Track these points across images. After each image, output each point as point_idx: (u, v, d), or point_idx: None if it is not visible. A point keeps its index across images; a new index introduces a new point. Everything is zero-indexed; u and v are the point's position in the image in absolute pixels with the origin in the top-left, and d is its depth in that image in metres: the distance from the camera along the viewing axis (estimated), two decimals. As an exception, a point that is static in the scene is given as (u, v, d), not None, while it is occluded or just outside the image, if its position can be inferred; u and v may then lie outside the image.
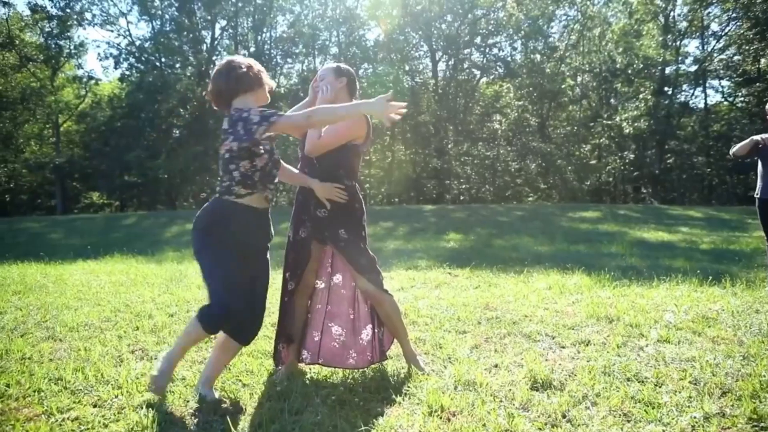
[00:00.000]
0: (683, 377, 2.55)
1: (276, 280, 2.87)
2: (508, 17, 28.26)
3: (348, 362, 2.75)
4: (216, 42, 30.32)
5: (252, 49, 29.53)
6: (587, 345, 3.18)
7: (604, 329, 3.51)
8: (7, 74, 30.49)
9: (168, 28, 29.79)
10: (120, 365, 2.86)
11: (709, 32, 27.84)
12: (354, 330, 2.77)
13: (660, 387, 2.46)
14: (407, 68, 29.47)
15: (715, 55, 27.59)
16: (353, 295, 2.80)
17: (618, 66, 29.07)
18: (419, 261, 7.87)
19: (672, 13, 28.05)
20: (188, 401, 2.40)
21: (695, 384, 2.48)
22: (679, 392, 2.38)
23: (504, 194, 28.18)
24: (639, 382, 2.53)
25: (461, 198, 29.00)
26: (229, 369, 2.83)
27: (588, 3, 29.49)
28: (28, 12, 30.26)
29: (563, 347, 3.18)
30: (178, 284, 5.60)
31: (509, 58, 29.41)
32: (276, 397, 2.43)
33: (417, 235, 12.05)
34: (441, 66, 29.96)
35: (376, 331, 2.79)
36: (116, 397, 2.41)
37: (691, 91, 29.73)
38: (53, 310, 4.16)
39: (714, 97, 34.96)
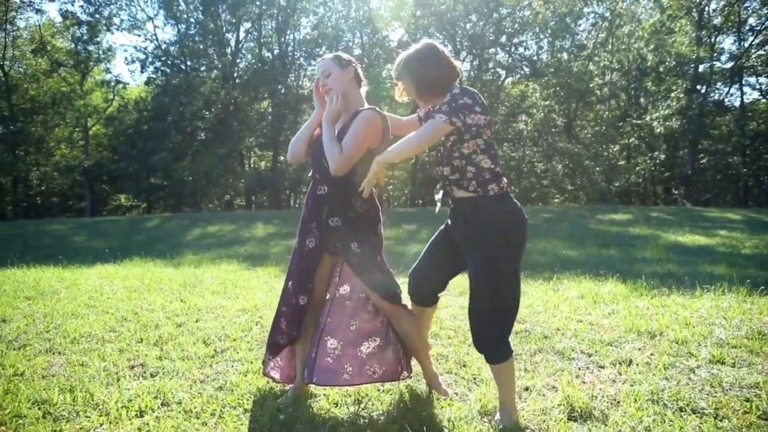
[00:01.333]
0: (748, 409, 2.21)
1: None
2: (534, 15, 27.69)
3: (341, 378, 2.39)
4: (240, 44, 30.48)
5: (276, 51, 29.59)
6: (629, 365, 2.85)
7: (646, 346, 3.17)
8: (39, 79, 31.24)
9: (193, 31, 30.05)
10: (114, 384, 2.64)
11: (747, 27, 26.82)
12: (351, 342, 2.44)
13: (721, 421, 2.12)
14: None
15: (752, 50, 26.59)
16: (359, 306, 2.51)
17: (649, 64, 28.25)
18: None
19: (706, 8, 27.11)
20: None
21: (766, 419, 2.13)
22: (746, 429, 2.05)
23: (530, 196, 27.60)
24: (695, 413, 2.20)
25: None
26: (232, 390, 2.59)
27: (618, 0, 28.74)
28: (59, 18, 30.97)
29: (602, 367, 2.86)
30: (191, 290, 5.42)
31: (535, 57, 28.80)
32: (278, 427, 2.17)
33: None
34: (465, 66, 29.52)
35: (385, 345, 2.50)
36: (101, 426, 2.17)
37: (726, 89, 28.73)
38: (59, 318, 3.99)
39: (751, 95, 33.74)
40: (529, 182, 27.27)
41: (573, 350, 3.12)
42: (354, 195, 2.39)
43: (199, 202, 30.59)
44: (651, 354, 3.00)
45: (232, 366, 2.94)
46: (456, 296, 5.18)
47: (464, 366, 2.94)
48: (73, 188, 33.71)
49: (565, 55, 29.80)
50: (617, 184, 30.39)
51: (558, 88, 28.69)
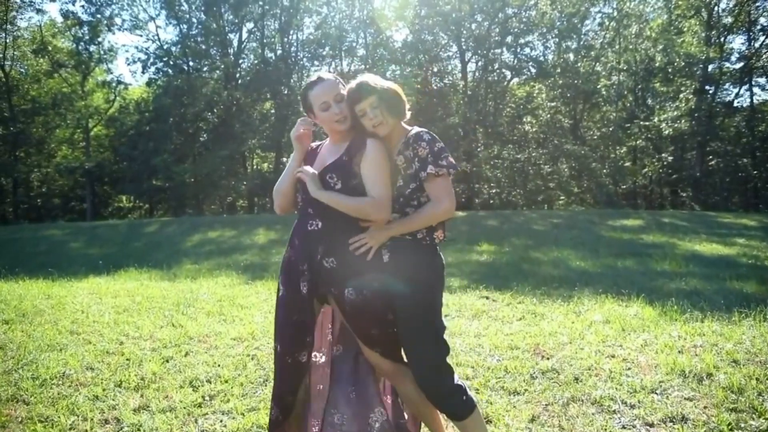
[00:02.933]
0: None
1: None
2: (540, 15, 27.27)
3: None
4: (243, 45, 30.14)
5: (279, 52, 29.24)
6: (683, 423, 2.46)
7: (696, 395, 2.77)
8: (40, 80, 30.97)
9: (195, 32, 29.74)
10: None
11: (758, 27, 26.34)
12: (357, 414, 2.08)
13: None
14: (436, 69, 28.73)
15: (763, 51, 26.09)
16: (354, 368, 2.14)
17: (657, 64, 27.79)
18: (452, 279, 7.18)
19: (716, 8, 26.63)
20: None
21: None
22: None
23: (535, 198, 27.17)
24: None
25: (491, 202, 28.08)
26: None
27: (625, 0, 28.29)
28: (60, 18, 30.68)
29: (650, 425, 2.46)
30: (185, 310, 5.04)
31: (542, 58, 28.38)
32: None
33: (448, 246, 11.33)
34: (471, 67, 29.14)
35: (395, 416, 2.13)
36: None
37: (736, 90, 28.23)
38: (34, 351, 3.61)
39: (761, 96, 33.20)
40: (535, 185, 26.82)
41: (612, 399, 2.72)
42: (355, 230, 2.03)
43: (201, 204, 30.26)
44: (705, 407, 2.61)
45: (221, 420, 2.56)
46: (469, 319, 4.80)
47: (488, 420, 2.55)
48: (75, 190, 33.41)
49: (571, 56, 29.37)
50: (624, 186, 29.94)
51: (564, 89, 28.25)
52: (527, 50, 28.40)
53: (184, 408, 2.69)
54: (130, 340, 3.98)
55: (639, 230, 13.29)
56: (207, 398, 2.83)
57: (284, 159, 28.51)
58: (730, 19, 26.61)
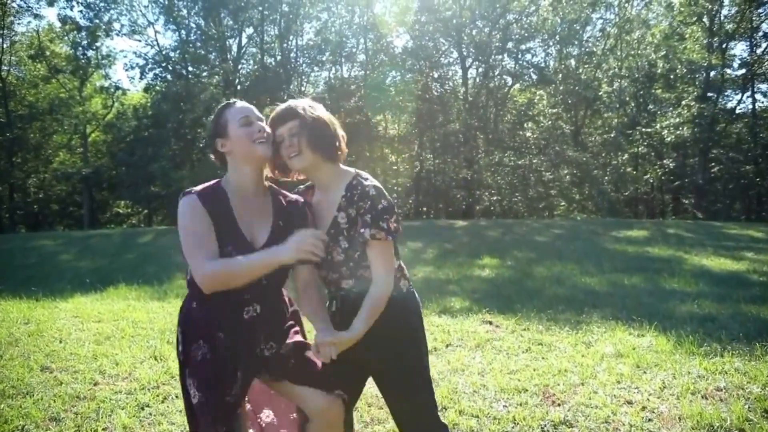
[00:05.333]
0: None
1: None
2: (542, 21, 27.06)
3: None
4: (242, 50, 29.91)
5: (278, 58, 29.01)
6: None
7: (728, 459, 2.48)
8: (37, 85, 30.71)
9: (194, 37, 29.50)
10: None
11: (760, 34, 26.16)
12: None
13: None
14: (436, 75, 28.49)
15: (765, 57, 25.89)
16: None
17: (659, 71, 27.59)
18: (453, 299, 6.90)
19: (718, 15, 26.42)
20: None
21: None
22: None
23: (537, 205, 26.90)
24: None
25: (491, 209, 27.82)
26: None
27: (627, 5, 28.11)
28: (58, 23, 30.44)
29: (681, 502, 2.17)
30: (171, 338, 4.74)
31: (543, 64, 28.16)
32: None
33: (448, 259, 11.04)
34: (471, 73, 28.90)
35: None
36: None
37: (738, 97, 28.04)
38: (-2, 397, 3.31)
39: (763, 102, 32.96)
40: (536, 191, 26.55)
41: (636, 466, 2.43)
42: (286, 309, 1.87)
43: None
44: (740, 477, 2.32)
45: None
46: (472, 350, 4.51)
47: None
48: (72, 196, 33.14)
49: (573, 62, 29.16)
50: (626, 193, 29.70)
51: (566, 96, 28.03)
52: (528, 56, 28.19)
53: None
54: (106, 379, 3.68)
55: (644, 242, 13.00)
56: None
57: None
58: (732, 26, 26.40)
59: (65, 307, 6.38)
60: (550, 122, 27.44)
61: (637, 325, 5.13)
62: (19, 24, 29.76)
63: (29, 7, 29.34)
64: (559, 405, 3.18)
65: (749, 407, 3.02)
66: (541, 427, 2.87)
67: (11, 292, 7.46)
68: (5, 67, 29.29)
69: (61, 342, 4.66)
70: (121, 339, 4.79)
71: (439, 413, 2.04)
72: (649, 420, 2.93)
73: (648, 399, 3.24)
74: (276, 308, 1.79)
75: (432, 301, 6.64)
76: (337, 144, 1.96)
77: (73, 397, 3.31)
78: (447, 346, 4.67)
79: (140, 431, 2.83)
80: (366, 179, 1.92)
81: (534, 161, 27.02)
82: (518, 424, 2.93)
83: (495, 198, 26.98)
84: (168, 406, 3.17)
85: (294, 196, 1.94)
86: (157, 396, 3.33)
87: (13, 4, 28.49)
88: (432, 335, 4.93)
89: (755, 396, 3.18)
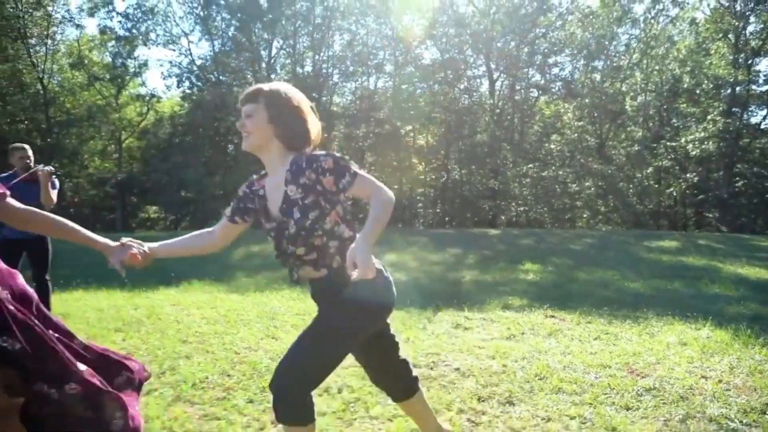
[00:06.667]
0: None
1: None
2: (569, 36, 27.64)
3: None
4: (273, 60, 30.85)
5: (308, 69, 29.89)
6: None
7: (804, 415, 2.98)
8: (76, 93, 31.89)
9: (227, 48, 30.51)
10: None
11: (786, 50, 26.41)
12: None
13: None
14: (463, 87, 29.15)
15: (791, 74, 26.14)
16: None
17: (684, 85, 27.96)
18: (509, 298, 7.41)
19: (744, 31, 26.77)
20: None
21: None
22: None
23: (562, 216, 27.28)
24: None
25: (513, 219, 28.25)
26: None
27: (652, 21, 28.57)
28: (97, 33, 31.67)
29: (772, 441, 2.69)
30: (274, 323, 5.33)
31: (570, 78, 28.67)
32: None
33: (490, 265, 11.55)
34: (498, 85, 29.51)
35: None
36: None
37: (763, 112, 28.30)
38: (167, 359, 3.92)
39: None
40: (562, 203, 26.96)
41: (728, 419, 2.95)
42: None
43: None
44: (819, 426, 2.83)
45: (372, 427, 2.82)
46: (545, 338, 5.01)
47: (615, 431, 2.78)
48: (105, 200, 34.17)
49: (598, 76, 29.63)
50: (650, 206, 29.95)
51: (591, 109, 28.50)
52: (556, 70, 28.75)
53: (333, 413, 2.96)
54: (242, 350, 4.27)
55: (677, 252, 13.40)
56: (350, 404, 3.10)
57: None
58: (757, 42, 26.73)
59: (159, 297, 7.01)
60: (575, 135, 27.88)
61: (692, 321, 5.61)
62: (60, 34, 30.97)
63: (72, 17, 30.61)
64: (644, 377, 3.70)
65: (813, 381, 3.51)
66: (636, 392, 3.39)
67: (88, 285, 8.11)
68: (46, 76, 30.47)
69: (180, 323, 5.27)
70: (229, 323, 5.38)
71: (312, 392, 1.91)
72: (727, 390, 3.43)
73: (721, 375, 3.74)
74: None
75: (491, 298, 7.16)
76: (300, 131, 1.98)
77: (228, 361, 3.90)
78: (522, 333, 5.19)
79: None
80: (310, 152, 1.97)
81: (559, 173, 27.47)
82: (614, 389, 3.45)
83: (522, 208, 27.43)
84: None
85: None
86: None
87: (57, 15, 29.75)
88: (504, 326, 5.46)
89: (816, 374, 3.67)
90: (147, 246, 2.15)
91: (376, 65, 29.37)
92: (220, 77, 30.94)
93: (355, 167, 1.90)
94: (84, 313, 5.67)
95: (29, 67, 29.36)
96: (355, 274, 1.65)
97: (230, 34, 30.28)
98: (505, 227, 24.53)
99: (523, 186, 27.05)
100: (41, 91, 29.78)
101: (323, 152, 1.92)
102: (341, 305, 1.93)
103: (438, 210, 28.90)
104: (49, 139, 29.28)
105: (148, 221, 36.02)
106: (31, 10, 28.23)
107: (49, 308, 4.51)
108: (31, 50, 29.11)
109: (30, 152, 5.02)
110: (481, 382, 3.61)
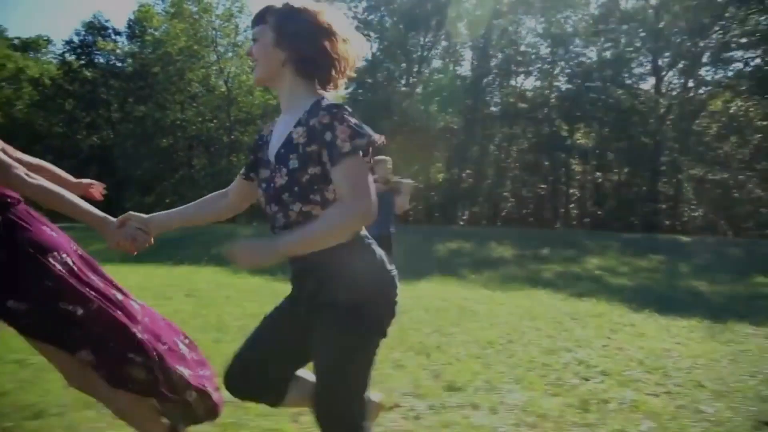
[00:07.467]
0: None
1: None
2: (755, 25, 25.19)
3: None
4: (429, 56, 31.71)
5: (470, 72, 30.31)
6: None
7: None
8: (252, 92, 35.20)
9: (388, 48, 31.85)
10: None
11: None
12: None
13: None
14: (629, 83, 27.92)
15: None
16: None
17: None
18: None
19: None
20: None
21: None
22: None
23: (744, 225, 25.19)
24: None
25: (677, 225, 26.47)
26: None
27: None
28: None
29: None
30: (566, 324, 5.89)
31: (760, 74, 26.18)
32: None
33: (713, 274, 11.10)
34: (666, 82, 27.84)
35: None
36: None
37: None
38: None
39: None
40: (744, 209, 24.89)
41: None
42: None
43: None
44: None
45: None
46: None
47: None
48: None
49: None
50: None
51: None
52: (738, 65, 26.39)
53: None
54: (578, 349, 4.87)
55: None
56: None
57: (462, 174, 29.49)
58: None
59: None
60: (761, 135, 25.49)
61: None
62: (244, 40, 34.37)
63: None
64: None
65: None
66: None
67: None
68: (230, 79, 34.01)
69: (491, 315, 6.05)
70: (533, 318, 6.04)
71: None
72: None
73: None
74: None
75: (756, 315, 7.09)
76: (316, 57, 1.51)
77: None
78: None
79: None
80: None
81: (739, 177, 25.35)
82: None
83: (696, 213, 25.78)
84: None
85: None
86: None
87: (242, 25, 33.18)
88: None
89: None
90: (151, 219, 1.83)
91: (540, 67, 29.14)
92: (379, 78, 32.23)
93: (353, 144, 1.42)
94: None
95: (217, 72, 33.07)
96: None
97: (392, 36, 31.51)
98: (673, 233, 23.13)
99: (699, 191, 25.33)
100: (225, 93, 33.33)
101: (347, 108, 1.47)
102: (336, 312, 1.52)
103: (600, 212, 28.01)
104: (232, 136, 32.73)
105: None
106: (223, 22, 31.80)
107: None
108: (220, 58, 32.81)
109: (390, 164, 5.83)
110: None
